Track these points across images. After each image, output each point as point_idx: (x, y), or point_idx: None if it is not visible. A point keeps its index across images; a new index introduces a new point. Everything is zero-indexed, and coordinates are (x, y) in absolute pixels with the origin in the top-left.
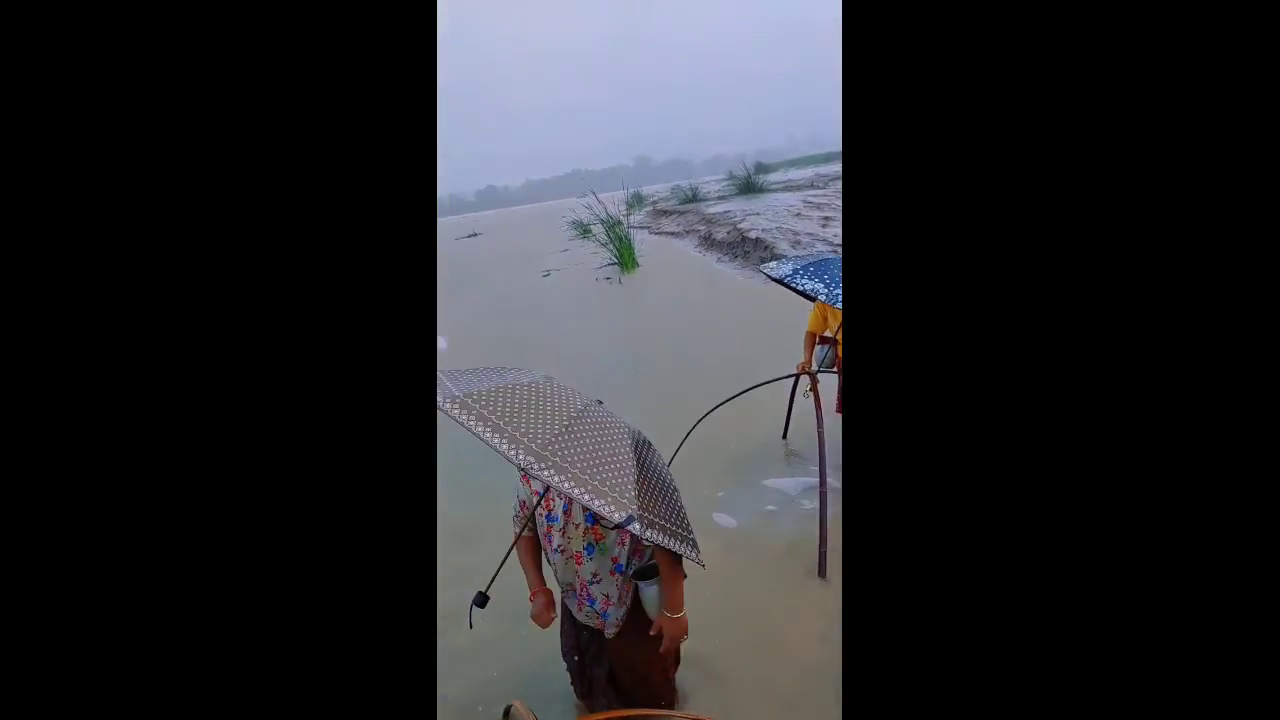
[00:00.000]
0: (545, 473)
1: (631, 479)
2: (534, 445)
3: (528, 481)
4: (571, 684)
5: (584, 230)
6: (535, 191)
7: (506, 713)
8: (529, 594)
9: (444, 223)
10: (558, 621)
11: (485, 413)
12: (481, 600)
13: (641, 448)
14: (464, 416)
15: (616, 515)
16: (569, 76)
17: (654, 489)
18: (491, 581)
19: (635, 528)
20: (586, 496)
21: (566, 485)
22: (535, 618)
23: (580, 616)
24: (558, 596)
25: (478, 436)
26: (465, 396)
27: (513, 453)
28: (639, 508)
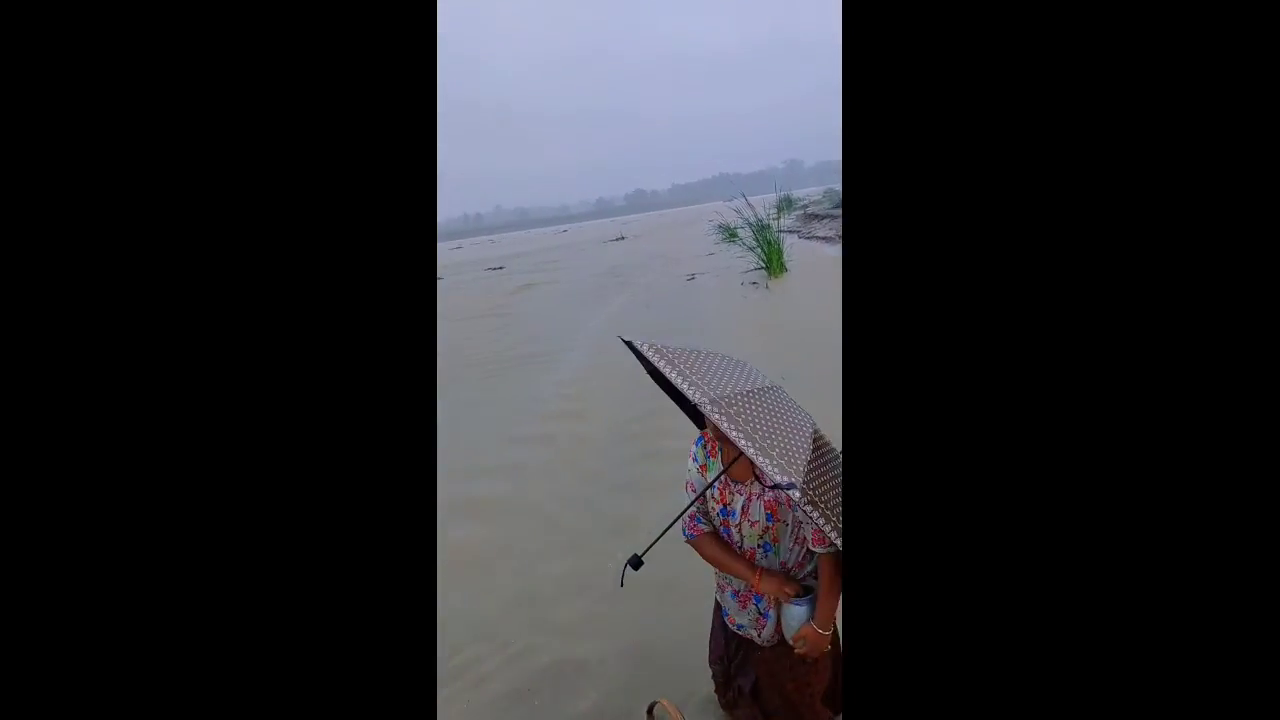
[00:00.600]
0: (718, 417)
1: (804, 456)
2: (713, 394)
3: (705, 472)
4: (715, 691)
5: (730, 234)
6: (682, 195)
7: (651, 709)
8: (753, 582)
9: (592, 226)
10: (707, 627)
11: (674, 359)
12: (636, 562)
13: (821, 440)
14: (654, 356)
15: (780, 477)
16: (718, 80)
17: (827, 478)
18: (648, 549)
19: (796, 495)
20: (752, 450)
21: (735, 433)
22: (772, 593)
23: (740, 619)
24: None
25: (665, 376)
26: (661, 345)
27: (692, 393)
28: (804, 483)
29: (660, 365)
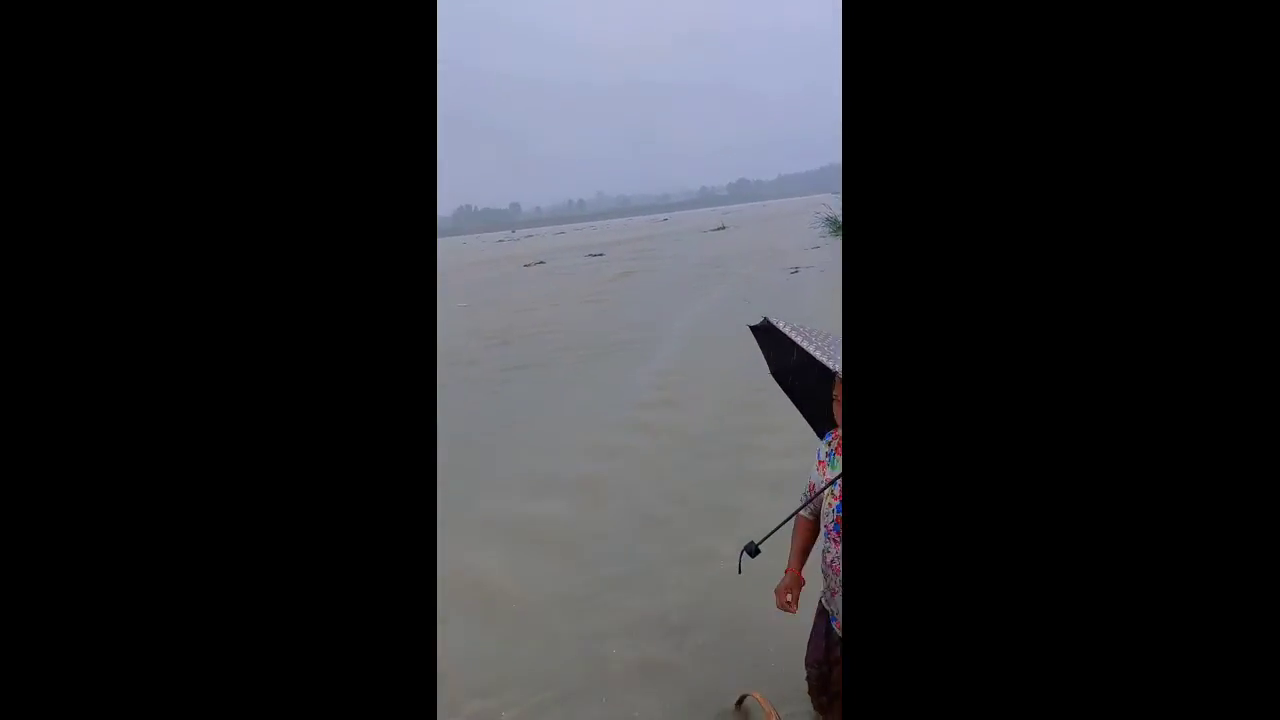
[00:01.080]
0: None
1: None
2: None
3: (823, 468)
4: (809, 693)
5: (838, 227)
6: (790, 186)
7: (740, 701)
8: (786, 569)
9: (693, 215)
10: (797, 625)
11: (809, 335)
12: (753, 550)
13: None
14: (790, 333)
15: None
16: (825, 65)
17: None
18: (765, 538)
19: None
20: None
21: None
22: (778, 592)
23: None
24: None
25: (801, 349)
26: (796, 325)
27: (827, 361)
28: None
29: (799, 341)
